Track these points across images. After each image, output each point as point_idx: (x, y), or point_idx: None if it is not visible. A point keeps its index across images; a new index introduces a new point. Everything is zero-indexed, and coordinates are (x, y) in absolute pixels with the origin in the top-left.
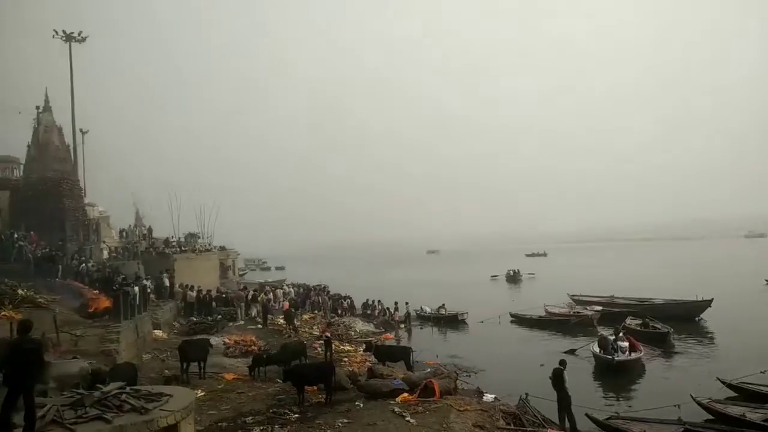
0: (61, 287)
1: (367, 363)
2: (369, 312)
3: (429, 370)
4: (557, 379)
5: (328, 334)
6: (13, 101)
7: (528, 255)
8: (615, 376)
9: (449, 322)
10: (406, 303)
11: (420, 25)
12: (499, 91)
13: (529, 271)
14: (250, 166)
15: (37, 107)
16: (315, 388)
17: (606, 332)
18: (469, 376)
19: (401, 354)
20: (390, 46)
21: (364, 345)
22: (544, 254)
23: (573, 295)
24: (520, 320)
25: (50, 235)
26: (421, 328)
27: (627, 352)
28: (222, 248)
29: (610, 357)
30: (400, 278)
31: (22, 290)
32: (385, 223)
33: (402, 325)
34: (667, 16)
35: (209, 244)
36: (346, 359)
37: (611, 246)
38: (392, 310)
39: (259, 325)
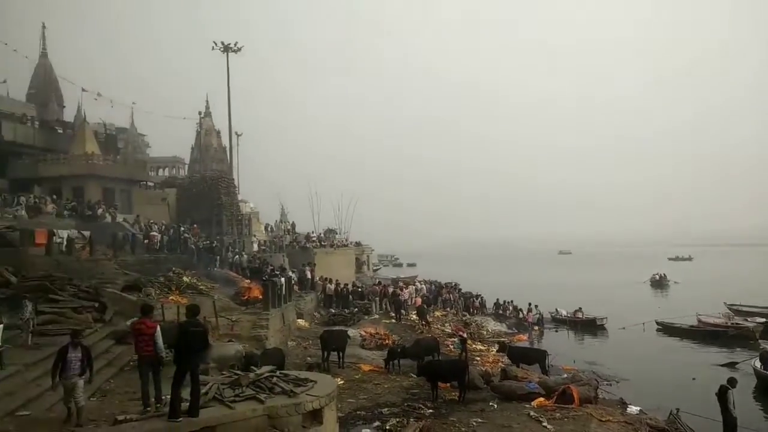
0: (219, 276)
1: (500, 363)
2: (500, 312)
3: (566, 375)
4: (721, 398)
5: (464, 334)
6: (179, 109)
7: (671, 259)
8: None
9: (587, 326)
10: (536, 306)
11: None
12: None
13: (674, 279)
14: (383, 164)
15: (200, 113)
16: (448, 384)
17: None
18: (611, 384)
19: (537, 357)
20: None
21: (497, 345)
22: (690, 258)
23: (731, 305)
24: (667, 329)
25: (209, 229)
26: (556, 331)
27: None
28: (357, 244)
29: None
30: (530, 278)
31: (187, 278)
32: (515, 221)
33: (536, 327)
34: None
35: (346, 240)
36: (478, 358)
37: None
38: (525, 311)
39: (393, 320)
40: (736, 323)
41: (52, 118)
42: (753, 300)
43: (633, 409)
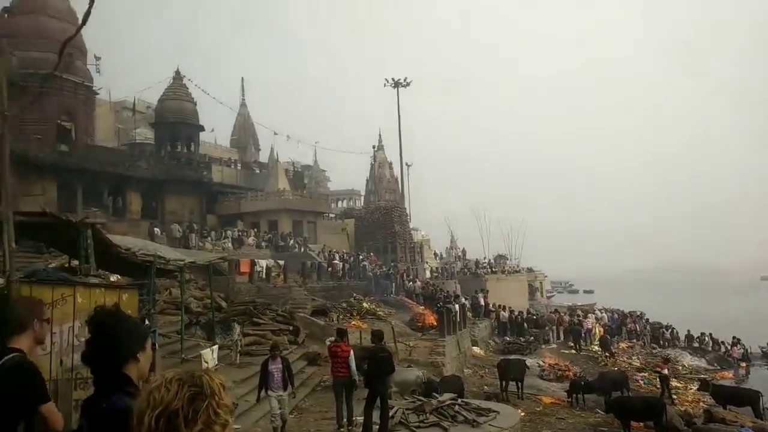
0: (395, 302)
1: (702, 403)
2: (696, 345)
3: None
4: None
5: (664, 370)
6: (355, 144)
7: None
8: None
9: None
10: (738, 339)
11: None
12: None
13: None
14: (560, 183)
15: (373, 147)
16: (641, 424)
17: None
18: None
19: (748, 397)
20: None
21: (696, 382)
22: None
23: None
24: None
25: (384, 256)
26: None
27: None
28: (530, 270)
29: None
30: (729, 308)
31: (366, 303)
32: (705, 246)
33: (743, 364)
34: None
35: (517, 266)
36: (675, 396)
37: None
38: (729, 345)
39: (572, 350)
40: None
41: (250, 160)
42: None
43: None
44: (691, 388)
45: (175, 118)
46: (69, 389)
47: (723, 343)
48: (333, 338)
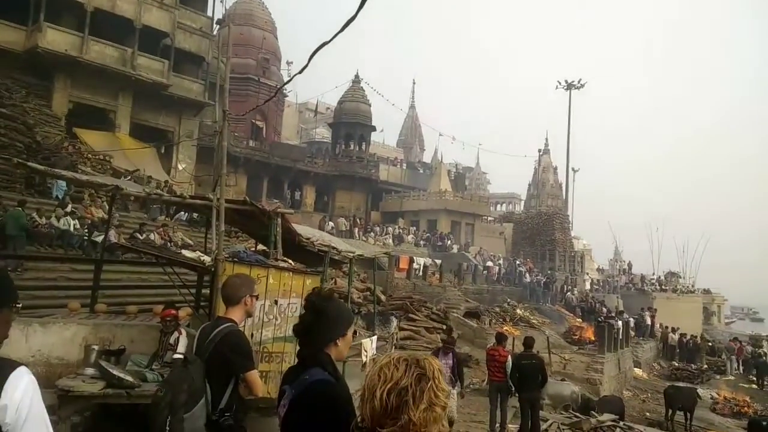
0: (550, 312)
1: None
2: None
3: None
4: None
5: None
6: (520, 147)
7: None
8: None
9: None
10: None
11: None
12: None
13: None
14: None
15: (539, 150)
16: None
17: None
18: None
19: None
20: None
21: None
22: None
23: None
24: None
25: (542, 264)
26: None
27: None
28: (706, 291)
29: None
30: None
31: (520, 310)
32: None
33: None
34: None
35: (692, 285)
36: None
37: None
38: None
39: (754, 385)
40: None
41: (415, 160)
42: None
43: None
44: None
45: (351, 118)
46: (257, 361)
47: None
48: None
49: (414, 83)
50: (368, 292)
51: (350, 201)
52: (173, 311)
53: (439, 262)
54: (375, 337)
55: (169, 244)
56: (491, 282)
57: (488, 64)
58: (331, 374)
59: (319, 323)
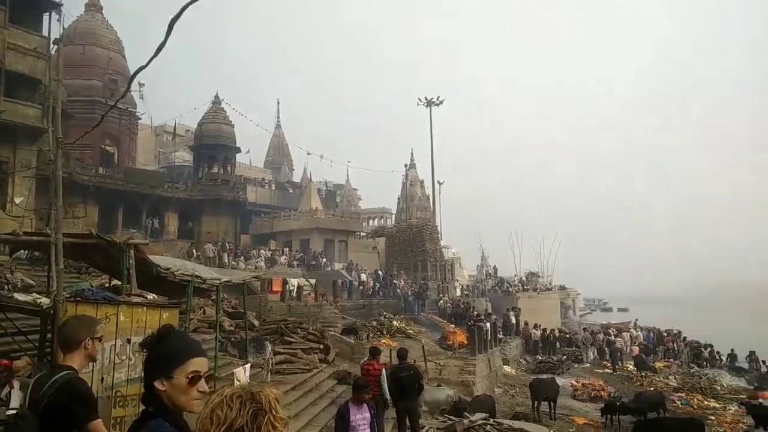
0: (425, 320)
1: (741, 425)
2: (737, 364)
3: None
4: None
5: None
6: (387, 163)
7: None
8: None
9: None
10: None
11: None
12: None
13: None
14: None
15: (405, 165)
16: None
17: None
18: None
19: None
20: None
21: (738, 403)
22: None
23: None
24: None
25: (415, 274)
26: None
27: None
28: (562, 287)
29: None
30: (763, 325)
31: (397, 322)
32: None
33: None
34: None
35: (549, 283)
36: (712, 417)
37: None
38: None
39: (607, 370)
40: None
41: (284, 180)
42: None
43: None
44: (730, 409)
45: (213, 140)
46: (109, 407)
47: (764, 362)
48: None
49: (278, 103)
50: (240, 319)
51: (217, 226)
52: (3, 362)
53: (313, 281)
54: (248, 365)
55: (6, 286)
56: (367, 296)
57: (356, 80)
58: (172, 423)
59: (145, 364)
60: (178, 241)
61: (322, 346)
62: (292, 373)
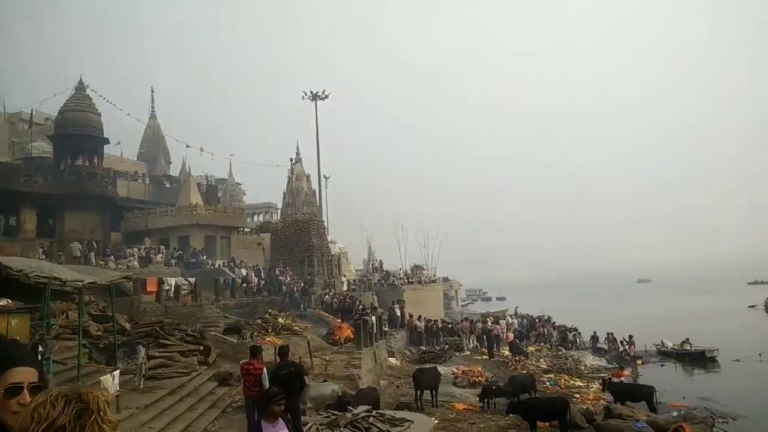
0: (311, 316)
1: (602, 401)
2: (598, 345)
3: (676, 413)
4: None
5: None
6: (274, 156)
7: (750, 283)
8: None
9: (696, 359)
10: (629, 336)
11: None
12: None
13: None
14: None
15: (291, 159)
16: (547, 423)
17: None
18: (727, 422)
19: (643, 393)
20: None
21: (599, 381)
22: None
23: None
24: None
25: (301, 270)
26: (662, 366)
27: None
28: (445, 279)
29: None
30: (620, 309)
31: (282, 319)
32: (591, 250)
33: (639, 361)
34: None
35: (433, 276)
36: (577, 395)
37: None
38: (626, 344)
39: (485, 356)
40: None
41: (160, 174)
42: None
43: None
44: (592, 387)
45: (77, 129)
46: None
47: (622, 342)
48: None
49: (153, 91)
50: (109, 323)
51: (83, 223)
52: None
53: (192, 280)
54: (117, 372)
55: None
56: (251, 294)
57: (240, 72)
58: None
59: None
60: (38, 240)
61: (201, 348)
62: (168, 377)
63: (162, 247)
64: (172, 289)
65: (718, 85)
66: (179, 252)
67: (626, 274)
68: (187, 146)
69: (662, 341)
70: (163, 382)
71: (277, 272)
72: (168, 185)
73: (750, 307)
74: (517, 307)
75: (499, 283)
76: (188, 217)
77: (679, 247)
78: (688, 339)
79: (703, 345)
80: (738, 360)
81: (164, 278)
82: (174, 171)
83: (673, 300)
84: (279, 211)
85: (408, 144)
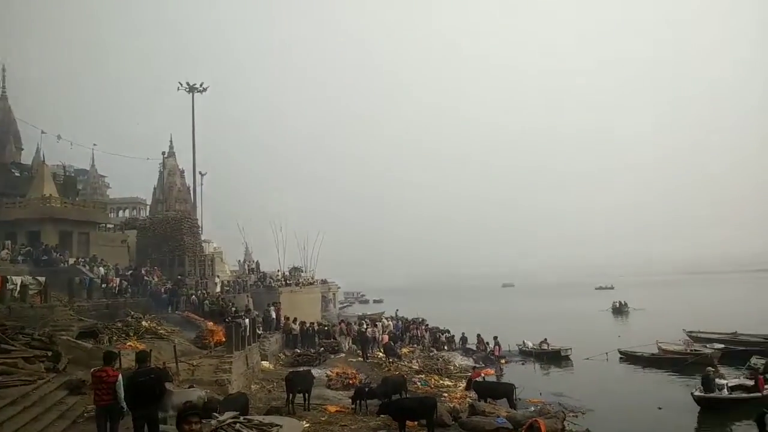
0: (180, 319)
1: (468, 399)
2: (467, 346)
3: (533, 408)
4: (759, 423)
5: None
6: (143, 148)
7: (597, 288)
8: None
9: (552, 358)
10: (494, 337)
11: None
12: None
13: (635, 306)
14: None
15: (163, 153)
16: (416, 423)
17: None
18: (577, 416)
19: (504, 391)
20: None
21: (465, 380)
22: (612, 287)
23: (690, 332)
24: (630, 357)
25: (171, 270)
26: (523, 364)
27: (726, 390)
28: (324, 282)
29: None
30: (489, 311)
31: (146, 322)
32: (460, 256)
33: (503, 360)
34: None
35: (312, 278)
36: (445, 394)
37: (691, 280)
38: (492, 345)
39: (360, 358)
40: (695, 350)
41: (8, 161)
42: (705, 325)
43: None
44: (459, 386)
45: None
46: None
47: (488, 343)
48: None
49: (3, 69)
50: None
51: None
52: None
53: (43, 279)
54: None
55: None
56: (112, 295)
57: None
58: None
59: None
60: None
61: (50, 353)
62: (10, 386)
63: (8, 242)
64: (17, 288)
65: None
66: (27, 248)
67: (493, 278)
68: (43, 132)
69: (524, 341)
70: (6, 391)
71: (143, 272)
72: (18, 174)
73: (601, 311)
74: (397, 310)
75: (377, 285)
76: (40, 210)
77: (535, 255)
78: (546, 339)
79: (559, 345)
80: (588, 358)
81: (8, 277)
82: (26, 159)
83: (534, 303)
84: (148, 208)
85: (300, 144)
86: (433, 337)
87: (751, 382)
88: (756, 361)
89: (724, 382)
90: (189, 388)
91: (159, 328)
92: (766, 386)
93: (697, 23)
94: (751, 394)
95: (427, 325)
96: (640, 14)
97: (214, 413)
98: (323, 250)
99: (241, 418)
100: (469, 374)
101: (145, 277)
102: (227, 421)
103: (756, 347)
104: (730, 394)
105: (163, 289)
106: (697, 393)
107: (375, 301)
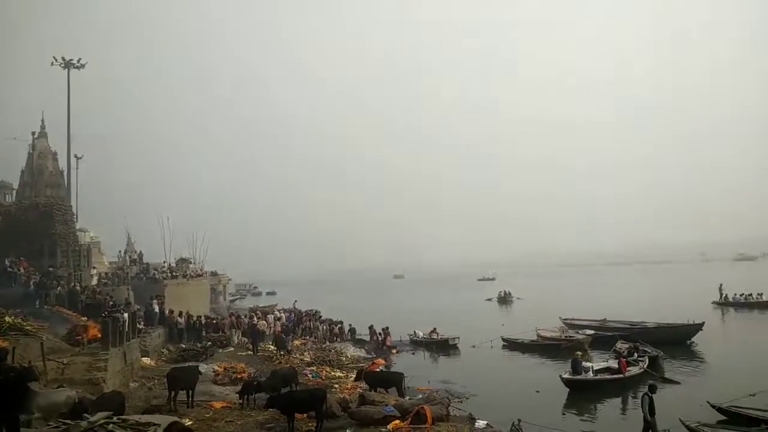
0: (50, 314)
1: (359, 389)
2: (358, 337)
3: (421, 396)
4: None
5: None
6: (9, 127)
7: (479, 279)
8: (587, 395)
9: (441, 347)
10: (385, 328)
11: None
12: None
13: (518, 295)
14: (237, 190)
15: (33, 133)
16: (305, 415)
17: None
18: (461, 401)
19: (393, 380)
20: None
21: (356, 371)
22: (493, 278)
23: (565, 319)
24: (512, 344)
25: (40, 261)
26: (413, 354)
27: (592, 373)
28: (213, 273)
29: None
30: (380, 302)
31: (10, 317)
32: (354, 248)
33: (394, 350)
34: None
35: (201, 270)
36: (336, 386)
37: (568, 271)
38: (383, 336)
39: (250, 352)
40: (569, 336)
41: None
42: (583, 313)
43: (481, 423)
44: (351, 377)
45: None
46: None
47: (380, 334)
48: None
49: None
50: None
51: None
52: None
53: None
54: None
55: None
56: None
57: None
58: None
59: None
60: None
61: None
62: None
63: None
64: None
65: None
66: None
67: (384, 270)
68: None
69: (414, 331)
70: None
71: (7, 263)
72: None
73: (487, 300)
74: (296, 301)
75: (271, 278)
76: None
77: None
78: (435, 329)
79: (447, 334)
80: (474, 346)
81: None
82: None
83: (423, 294)
84: (14, 193)
85: (193, 128)
86: (326, 329)
87: (615, 365)
88: (620, 345)
89: (589, 365)
90: (58, 388)
91: (25, 323)
92: (628, 369)
93: None
94: (614, 376)
95: (320, 317)
96: None
97: (85, 414)
98: (218, 243)
99: (115, 418)
100: (362, 365)
101: (9, 269)
102: (99, 422)
103: (621, 332)
104: (595, 376)
105: (30, 282)
106: (565, 375)
107: (268, 293)
